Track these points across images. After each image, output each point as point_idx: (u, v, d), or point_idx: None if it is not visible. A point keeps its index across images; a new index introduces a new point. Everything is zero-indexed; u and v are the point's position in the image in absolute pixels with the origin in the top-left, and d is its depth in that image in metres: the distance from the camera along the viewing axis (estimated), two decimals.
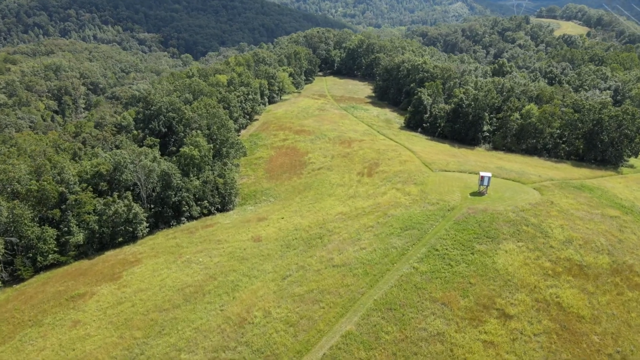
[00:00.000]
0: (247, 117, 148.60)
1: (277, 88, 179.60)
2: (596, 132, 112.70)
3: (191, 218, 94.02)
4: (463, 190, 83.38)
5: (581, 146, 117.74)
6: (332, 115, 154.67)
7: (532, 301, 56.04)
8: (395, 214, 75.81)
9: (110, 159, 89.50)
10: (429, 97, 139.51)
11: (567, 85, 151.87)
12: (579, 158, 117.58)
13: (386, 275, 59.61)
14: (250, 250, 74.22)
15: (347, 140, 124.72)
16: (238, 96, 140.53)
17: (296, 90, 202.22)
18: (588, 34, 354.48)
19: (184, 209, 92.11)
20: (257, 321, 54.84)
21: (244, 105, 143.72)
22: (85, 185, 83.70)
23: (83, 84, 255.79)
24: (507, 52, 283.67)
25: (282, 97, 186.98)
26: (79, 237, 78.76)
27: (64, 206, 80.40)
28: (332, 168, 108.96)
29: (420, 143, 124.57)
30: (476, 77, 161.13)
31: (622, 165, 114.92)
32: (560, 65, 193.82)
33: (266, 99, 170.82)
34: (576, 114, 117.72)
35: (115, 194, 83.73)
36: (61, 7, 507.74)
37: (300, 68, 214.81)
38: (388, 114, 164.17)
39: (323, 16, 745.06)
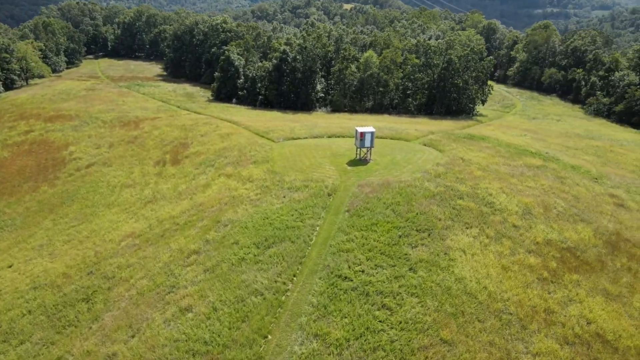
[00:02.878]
0: None
1: (18, 67, 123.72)
2: (447, 77, 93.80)
3: None
4: (333, 160, 51.90)
5: (423, 99, 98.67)
6: (107, 94, 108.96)
7: (563, 343, 27.14)
8: (237, 219, 40.04)
9: None
10: (240, 57, 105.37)
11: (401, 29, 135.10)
12: (430, 111, 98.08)
13: None
14: None
15: (132, 120, 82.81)
16: None
17: (53, 74, 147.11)
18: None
19: None
20: None
21: None
22: None
23: None
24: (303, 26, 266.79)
25: (29, 82, 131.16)
26: None
27: None
28: (112, 162, 66.96)
29: (241, 113, 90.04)
30: (288, 35, 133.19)
31: (475, 115, 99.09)
32: (366, 29, 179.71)
33: None
34: (419, 59, 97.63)
35: None
36: None
37: (57, 45, 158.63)
38: (188, 88, 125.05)
39: None
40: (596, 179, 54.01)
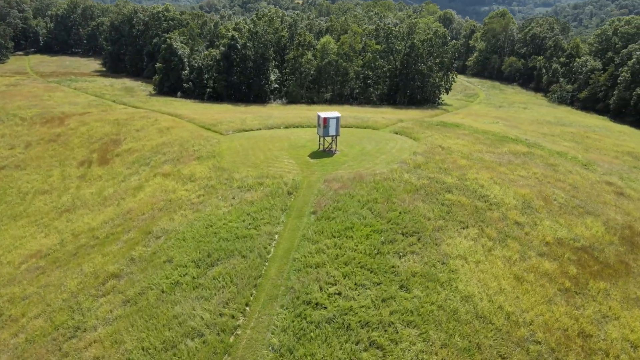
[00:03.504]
0: None
1: None
2: (410, 63, 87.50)
3: None
4: (293, 152, 43.76)
5: (385, 89, 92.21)
6: (31, 89, 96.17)
7: None
8: (174, 229, 31.21)
9: None
10: (184, 46, 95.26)
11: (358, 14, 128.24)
12: (393, 101, 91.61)
13: None
14: None
15: (57, 117, 71.52)
16: None
17: None
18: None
19: None
20: None
21: None
22: None
23: None
24: None
25: None
26: None
27: None
28: (27, 164, 56.06)
29: (186, 107, 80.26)
30: (237, 20, 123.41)
31: (440, 104, 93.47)
32: (324, 19, 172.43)
33: None
34: (380, 46, 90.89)
35: None
36: None
37: None
38: (128, 82, 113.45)
39: None
40: (586, 165, 48.62)
